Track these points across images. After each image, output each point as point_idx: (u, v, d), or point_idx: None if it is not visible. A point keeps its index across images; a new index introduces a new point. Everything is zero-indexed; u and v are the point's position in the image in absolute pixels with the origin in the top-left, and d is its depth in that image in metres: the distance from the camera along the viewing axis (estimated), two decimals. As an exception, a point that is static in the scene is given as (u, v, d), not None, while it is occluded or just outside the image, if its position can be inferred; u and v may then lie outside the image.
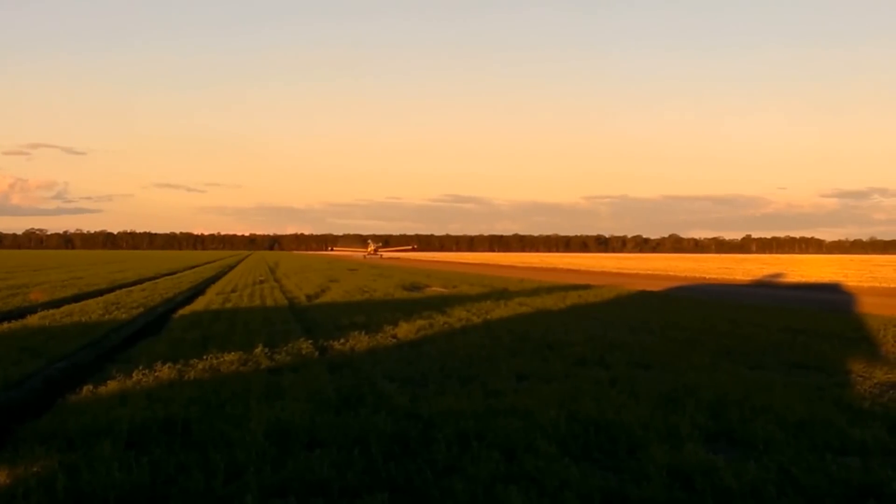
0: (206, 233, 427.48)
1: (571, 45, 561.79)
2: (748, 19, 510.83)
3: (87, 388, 11.34)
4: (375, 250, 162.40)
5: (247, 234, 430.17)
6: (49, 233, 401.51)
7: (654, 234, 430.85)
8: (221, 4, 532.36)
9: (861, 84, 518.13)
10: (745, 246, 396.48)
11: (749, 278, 58.96)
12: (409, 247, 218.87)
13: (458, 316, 23.14)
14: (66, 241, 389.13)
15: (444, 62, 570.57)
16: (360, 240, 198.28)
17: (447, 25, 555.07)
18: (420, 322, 20.68)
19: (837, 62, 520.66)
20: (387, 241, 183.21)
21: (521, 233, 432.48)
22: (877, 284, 47.30)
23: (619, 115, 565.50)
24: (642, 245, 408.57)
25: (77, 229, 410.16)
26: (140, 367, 12.76)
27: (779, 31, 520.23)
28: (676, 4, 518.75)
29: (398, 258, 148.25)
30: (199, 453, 7.95)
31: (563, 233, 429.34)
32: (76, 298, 30.18)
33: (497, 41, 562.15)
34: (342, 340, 16.88)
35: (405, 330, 19.09)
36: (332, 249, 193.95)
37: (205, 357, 14.04)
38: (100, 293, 34.08)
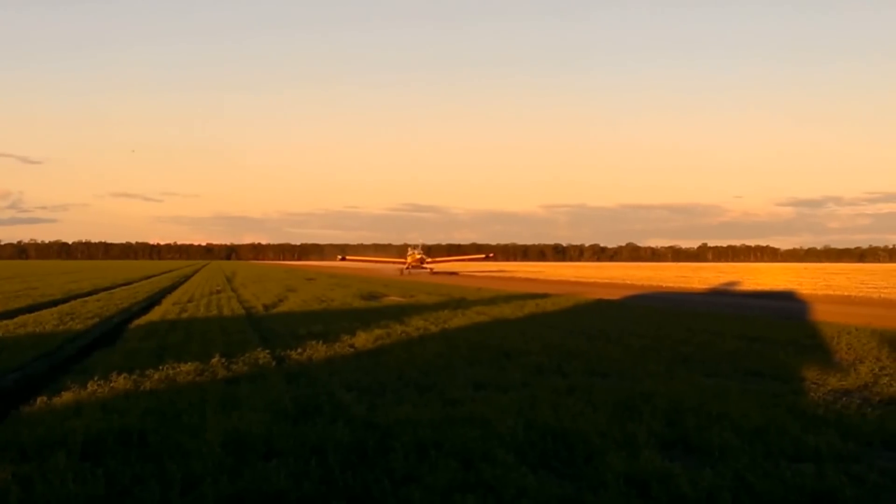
0: (162, 243, 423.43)
1: (529, 55, 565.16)
2: (706, 32, 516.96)
3: (41, 400, 11.17)
4: (421, 261, 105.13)
5: (204, 243, 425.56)
6: (3, 243, 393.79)
7: (611, 243, 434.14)
8: (178, 15, 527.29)
9: (816, 94, 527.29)
10: (702, 254, 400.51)
11: (705, 286, 59.48)
12: (482, 255, 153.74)
13: (416, 325, 23.11)
14: (21, 251, 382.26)
15: (402, 72, 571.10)
16: (396, 248, 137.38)
17: (404, 36, 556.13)
18: (378, 331, 20.63)
19: (793, 73, 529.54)
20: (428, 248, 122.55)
21: (479, 241, 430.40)
22: (831, 292, 47.96)
23: (577, 124, 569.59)
24: (599, 254, 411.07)
25: (31, 239, 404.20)
26: (95, 378, 12.61)
27: (734, 43, 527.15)
28: (635, 16, 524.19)
29: (458, 274, 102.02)
30: (154, 464, 7.87)
31: (520, 241, 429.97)
32: (30, 309, 29.77)
33: (455, 51, 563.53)
34: (299, 350, 16.80)
35: (363, 339, 19.03)
36: (343, 259, 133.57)
37: (161, 367, 13.90)
38: (54, 304, 33.60)
